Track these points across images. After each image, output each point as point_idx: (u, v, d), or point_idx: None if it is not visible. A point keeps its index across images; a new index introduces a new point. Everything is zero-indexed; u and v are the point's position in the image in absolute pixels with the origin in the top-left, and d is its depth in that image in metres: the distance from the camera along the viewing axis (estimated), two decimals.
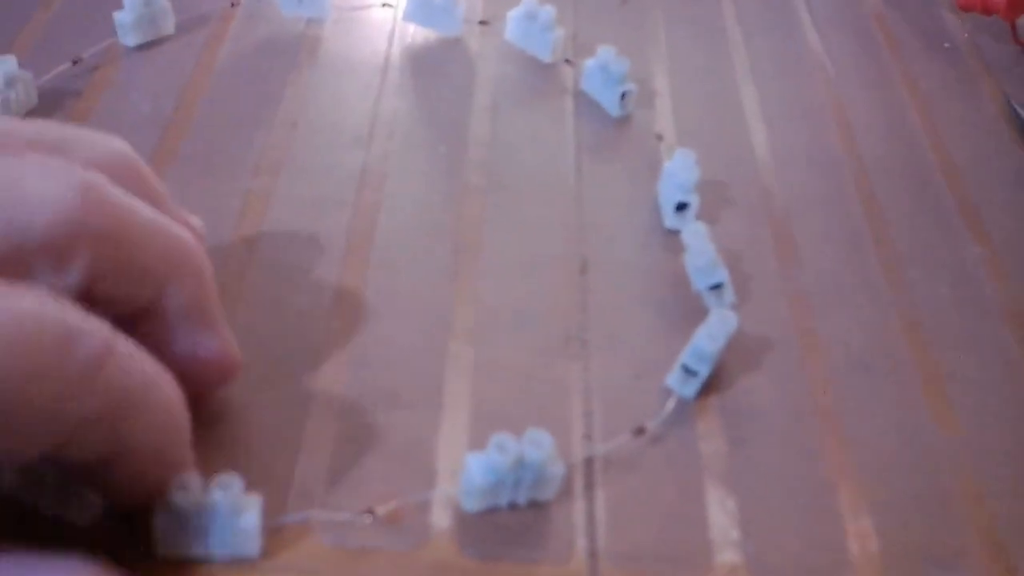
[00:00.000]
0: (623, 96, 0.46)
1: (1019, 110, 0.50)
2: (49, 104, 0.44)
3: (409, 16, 0.50)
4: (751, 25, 0.55)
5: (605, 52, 0.47)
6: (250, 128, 0.44)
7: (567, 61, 0.49)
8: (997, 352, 0.39)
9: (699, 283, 0.38)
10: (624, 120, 0.47)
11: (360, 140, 0.44)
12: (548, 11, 0.48)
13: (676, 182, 0.41)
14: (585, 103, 0.48)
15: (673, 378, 0.35)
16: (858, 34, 0.55)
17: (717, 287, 0.38)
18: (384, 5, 0.52)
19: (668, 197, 0.42)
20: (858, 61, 0.53)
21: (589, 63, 0.47)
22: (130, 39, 0.47)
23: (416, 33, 0.50)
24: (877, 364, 0.38)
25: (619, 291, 0.39)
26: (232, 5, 0.50)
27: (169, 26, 0.48)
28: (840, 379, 0.37)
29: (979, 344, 0.39)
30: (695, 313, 0.38)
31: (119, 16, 0.46)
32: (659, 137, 0.46)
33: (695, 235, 0.39)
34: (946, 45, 0.55)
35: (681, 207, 0.41)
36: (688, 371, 0.34)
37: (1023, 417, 0.36)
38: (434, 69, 0.49)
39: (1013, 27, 0.54)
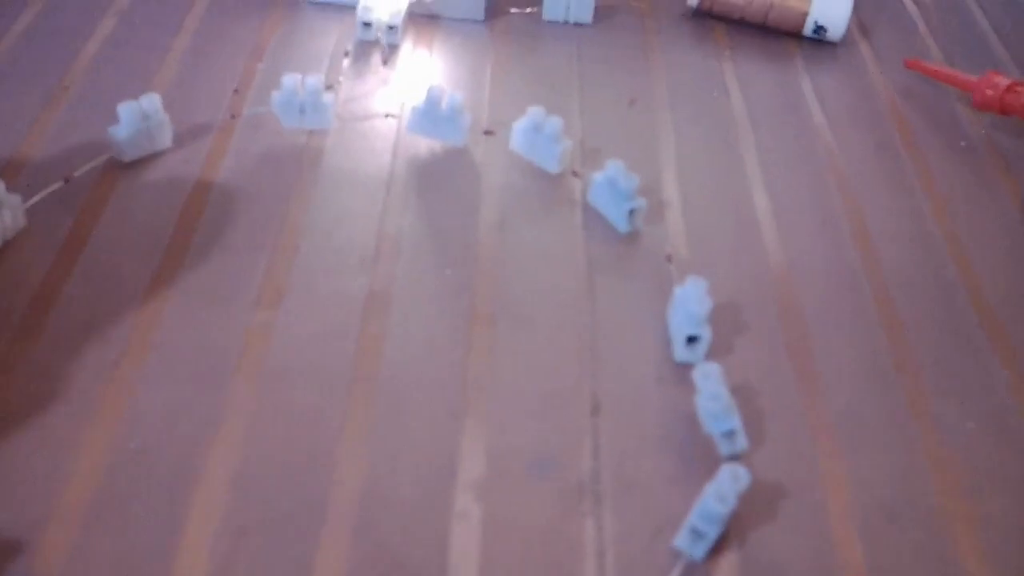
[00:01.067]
0: (631, 212, 0.45)
1: None
2: (40, 226, 0.43)
3: (413, 127, 0.49)
4: (762, 125, 0.53)
5: (614, 166, 0.45)
6: (251, 252, 0.43)
7: (574, 173, 0.48)
8: None
9: (711, 428, 0.37)
10: (632, 237, 0.46)
11: (365, 263, 0.43)
12: (555, 123, 0.47)
13: (687, 313, 0.40)
14: (592, 217, 0.46)
15: (682, 539, 0.33)
16: (873, 131, 0.54)
17: (730, 433, 0.36)
18: (387, 116, 0.51)
19: (678, 328, 0.40)
20: (874, 160, 0.52)
21: (596, 177, 0.46)
22: (126, 155, 0.45)
23: (420, 144, 0.49)
24: (905, 511, 0.36)
25: (633, 433, 0.37)
26: (232, 117, 0.49)
27: (166, 140, 0.46)
28: (868, 529, 0.35)
29: (1014, 483, 0.37)
30: (713, 456, 0.36)
31: (114, 131, 0.45)
32: (669, 258, 0.44)
33: (707, 378, 0.37)
34: (963, 144, 0.54)
35: (692, 340, 0.40)
36: (697, 532, 0.33)
37: None
38: (439, 182, 0.47)
39: None
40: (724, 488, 0.33)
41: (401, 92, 0.53)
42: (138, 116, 0.45)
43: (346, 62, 0.54)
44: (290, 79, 0.47)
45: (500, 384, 0.39)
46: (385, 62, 0.55)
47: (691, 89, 0.56)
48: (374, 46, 0.56)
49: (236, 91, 0.51)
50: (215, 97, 0.51)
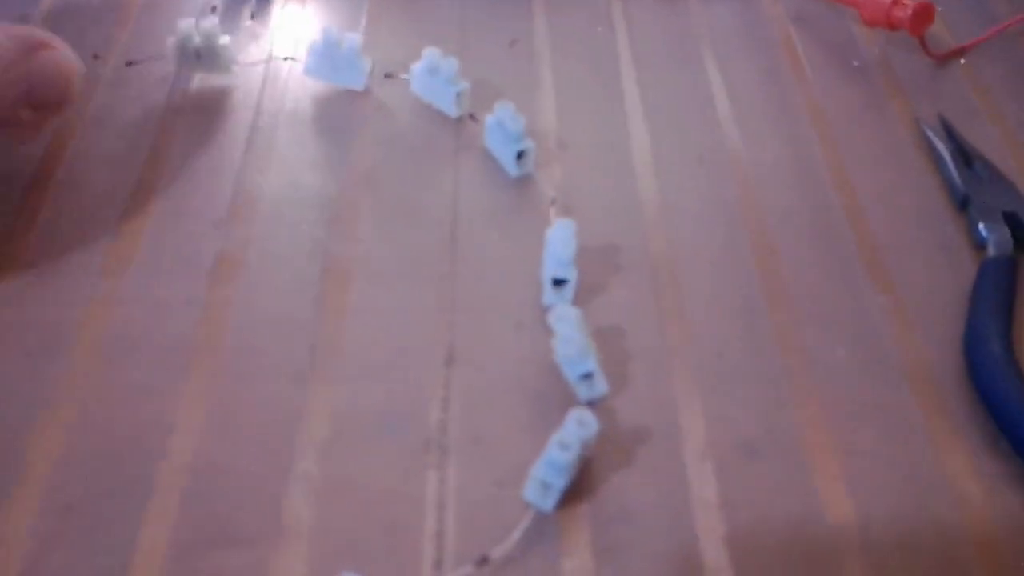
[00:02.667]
0: (520, 155, 0.44)
1: (930, 134, 0.47)
2: None
3: (310, 70, 0.47)
4: (647, 60, 0.52)
5: (502, 109, 0.44)
6: (104, 217, 0.41)
7: (471, 116, 0.47)
8: (899, 420, 0.36)
9: (568, 372, 0.35)
10: (524, 181, 0.44)
11: (219, 224, 0.41)
12: (451, 63, 0.46)
13: (553, 255, 0.39)
14: (487, 163, 0.45)
15: (529, 491, 0.32)
16: (762, 59, 0.52)
17: (587, 376, 0.35)
18: (286, 59, 0.49)
19: (547, 271, 0.39)
20: (760, 90, 0.50)
21: (489, 119, 0.44)
22: None
23: (318, 88, 0.48)
24: (766, 446, 0.35)
25: (486, 383, 0.36)
26: (94, 57, 0.47)
27: None
28: (726, 467, 0.34)
29: (879, 412, 0.36)
30: (571, 403, 0.35)
31: None
32: (553, 200, 0.43)
33: (562, 320, 0.36)
34: (855, 63, 0.52)
35: (559, 283, 0.39)
36: (543, 483, 0.32)
37: (921, 494, 0.34)
38: (318, 134, 0.46)
39: (923, 41, 0.51)
40: (569, 435, 0.32)
41: (271, 50, 0.51)
42: None
43: (209, 20, 0.52)
44: (185, 24, 0.46)
45: (351, 344, 0.37)
46: (253, 16, 0.53)
47: (575, 26, 0.54)
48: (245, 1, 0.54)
49: (96, 57, 0.49)
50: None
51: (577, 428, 0.32)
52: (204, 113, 0.46)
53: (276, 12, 0.54)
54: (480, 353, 0.37)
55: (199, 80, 0.48)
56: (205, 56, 0.47)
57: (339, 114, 0.47)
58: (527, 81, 0.50)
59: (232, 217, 0.42)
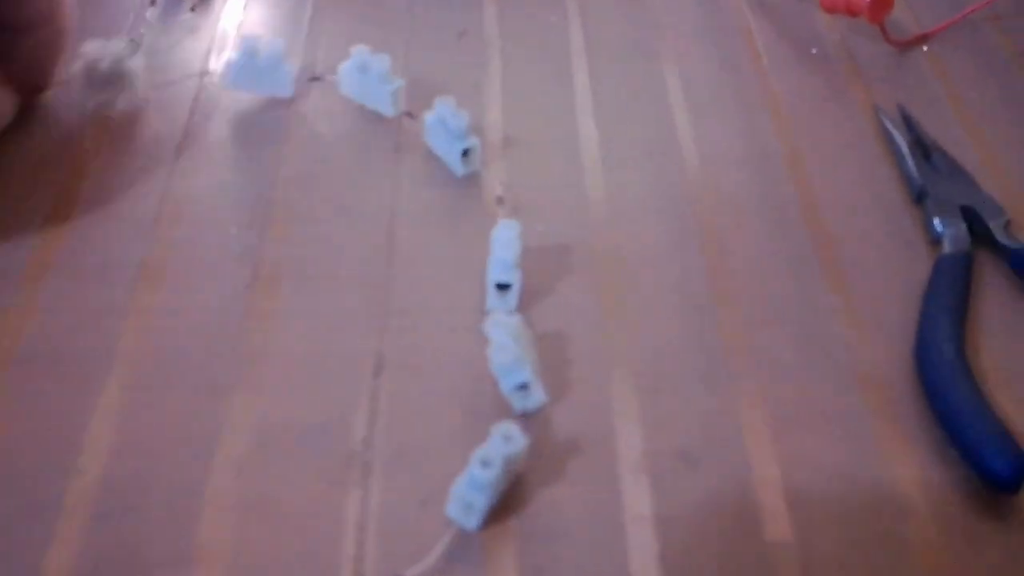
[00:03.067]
0: (465, 153, 0.42)
1: (888, 125, 0.45)
2: None
3: (231, 83, 0.45)
4: (599, 50, 0.50)
5: (443, 105, 0.42)
6: (24, 223, 0.39)
7: (408, 114, 0.45)
8: (846, 426, 0.35)
9: (504, 383, 0.34)
10: (469, 179, 0.42)
11: (143, 230, 0.40)
12: (382, 61, 0.44)
13: (498, 258, 0.37)
14: (430, 161, 0.43)
15: (452, 509, 0.31)
16: (719, 47, 0.51)
17: (522, 387, 0.34)
18: (203, 75, 0.47)
19: (491, 275, 0.37)
20: (715, 79, 0.49)
21: (428, 117, 0.43)
22: None
23: (240, 101, 0.45)
24: (705, 455, 0.34)
25: (416, 394, 0.35)
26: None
27: None
28: (662, 478, 0.33)
29: (826, 417, 0.35)
30: (507, 414, 0.34)
31: None
32: (499, 200, 0.41)
33: (496, 327, 0.34)
34: (814, 51, 0.51)
35: (502, 287, 0.37)
36: (465, 501, 0.30)
37: (866, 508, 0.32)
38: (253, 139, 0.44)
39: (883, 28, 0.50)
40: (492, 452, 0.31)
41: (211, 43, 0.49)
42: None
43: (150, 12, 0.51)
44: (93, 47, 0.44)
45: (275, 353, 0.36)
46: (193, 8, 0.51)
47: (527, 15, 0.52)
48: None
49: None
50: None
51: (502, 444, 0.31)
52: (129, 124, 0.45)
53: (218, 3, 0.52)
54: (412, 361, 0.36)
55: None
56: (114, 81, 0.44)
57: (269, 120, 0.45)
58: (475, 74, 0.48)
59: (158, 221, 0.40)
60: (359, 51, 0.44)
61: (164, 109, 0.45)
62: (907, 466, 0.33)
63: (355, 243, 0.40)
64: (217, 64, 0.48)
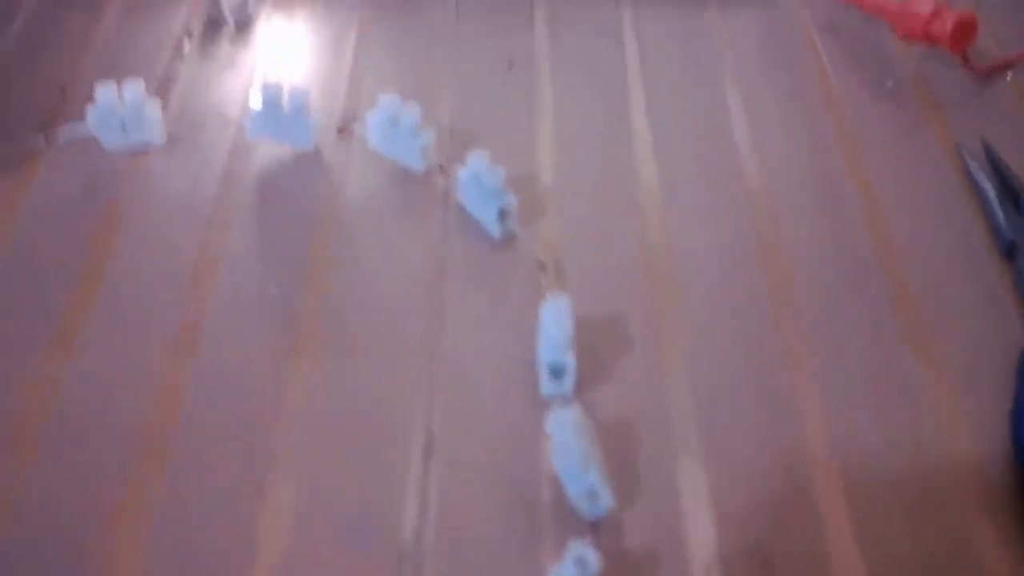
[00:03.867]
0: (501, 213, 0.39)
1: (972, 168, 0.42)
2: None
3: (253, 132, 0.42)
4: (658, 81, 0.47)
5: (477, 160, 0.39)
6: (53, 288, 0.38)
7: (440, 168, 0.42)
8: (936, 521, 0.32)
9: (569, 486, 0.31)
10: (505, 240, 0.40)
11: (178, 287, 0.38)
12: (412, 114, 0.41)
13: (549, 338, 0.34)
14: (463, 220, 0.40)
15: None
16: (788, 76, 0.47)
17: (590, 491, 0.31)
18: (226, 120, 0.44)
19: (541, 356, 0.35)
20: (785, 113, 0.45)
21: (462, 174, 0.40)
22: None
23: (263, 152, 0.43)
24: (781, 556, 0.31)
25: (471, 483, 0.32)
26: (47, 141, 0.43)
27: None
28: None
29: (913, 509, 0.32)
30: (568, 518, 0.31)
31: None
32: (541, 265, 0.39)
33: (559, 426, 0.31)
34: (889, 83, 0.47)
35: (556, 370, 0.34)
36: None
37: None
38: (280, 195, 0.41)
39: (964, 53, 0.46)
40: None
41: (249, 79, 0.47)
42: None
43: (187, 46, 0.49)
44: (106, 91, 0.42)
45: (319, 427, 0.34)
46: (231, 41, 0.49)
47: (580, 41, 0.49)
48: (224, 24, 0.50)
49: (63, 90, 0.46)
50: (35, 104, 0.45)
51: (576, 569, 0.28)
52: (159, 172, 0.42)
53: (259, 29, 0.50)
54: (464, 444, 0.33)
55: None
56: (131, 125, 0.42)
57: (301, 172, 0.42)
58: (523, 110, 0.45)
59: (194, 280, 0.38)
60: (388, 101, 0.42)
61: (197, 155, 0.43)
62: (1004, 567, 0.31)
63: (397, 308, 0.37)
64: (243, 107, 0.45)
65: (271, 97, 0.41)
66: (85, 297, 0.37)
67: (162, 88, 0.46)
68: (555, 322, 0.34)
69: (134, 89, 0.42)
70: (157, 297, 0.37)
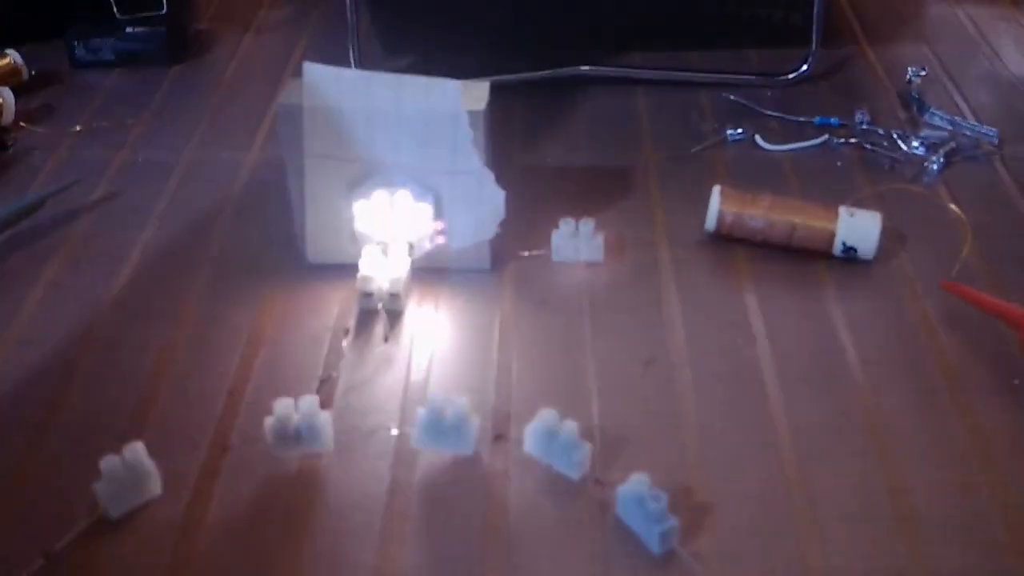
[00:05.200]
0: (662, 535, 0.41)
1: None
2: None
3: (418, 442, 0.45)
4: (793, 380, 0.49)
5: (638, 483, 0.41)
6: None
7: (597, 481, 0.44)
8: None
9: None
10: (667, 559, 0.41)
11: None
12: (570, 427, 0.44)
13: None
14: (619, 533, 0.42)
15: None
16: (914, 374, 0.49)
17: None
18: (391, 431, 0.47)
19: None
20: (917, 417, 0.47)
21: (622, 491, 0.42)
22: (114, 509, 0.43)
23: (424, 458, 0.46)
24: None
25: None
26: (223, 450, 0.46)
27: (155, 488, 0.44)
28: None
29: None
30: None
31: (99, 487, 0.42)
32: None
33: None
34: (1016, 382, 0.49)
35: None
36: None
37: None
38: (446, 504, 0.44)
39: None
40: None
41: (404, 377, 0.50)
42: (120, 467, 0.42)
43: (346, 342, 0.52)
44: (283, 405, 0.45)
45: None
46: (387, 339, 0.52)
47: (712, 336, 0.52)
48: (377, 316, 0.53)
49: (231, 393, 0.49)
50: (207, 409, 0.48)
51: None
52: (326, 483, 0.45)
53: (408, 326, 0.53)
54: None
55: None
56: (305, 436, 0.45)
57: (461, 479, 0.45)
58: (668, 412, 0.48)
59: None
60: (547, 415, 0.45)
61: (365, 464, 0.46)
62: None
63: None
64: (409, 412, 0.48)
65: (436, 407, 0.44)
66: None
67: (325, 388, 0.49)
68: None
69: (308, 403, 0.45)
70: None
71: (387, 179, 0.54)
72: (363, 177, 0.54)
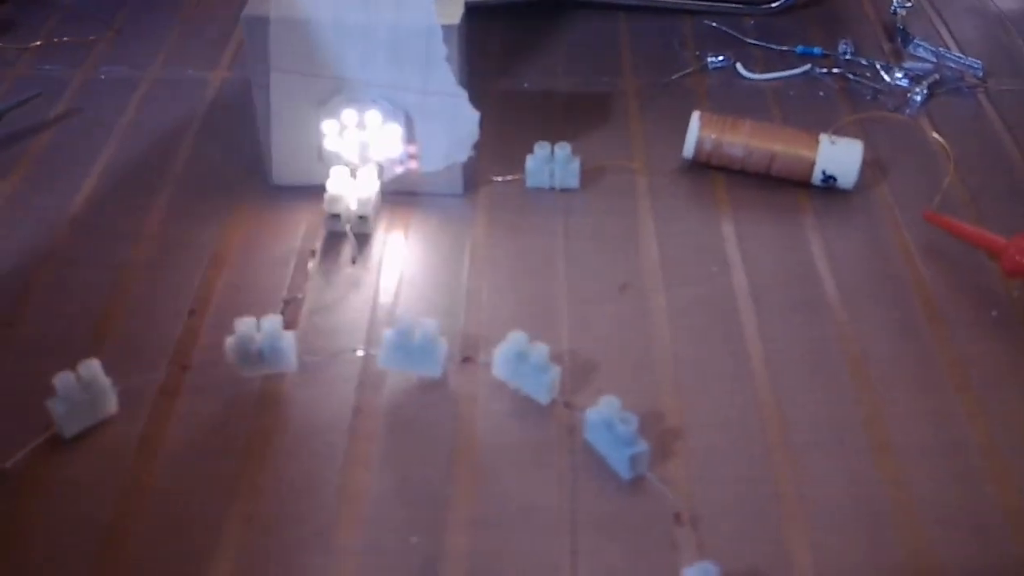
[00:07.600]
0: (632, 458, 0.40)
1: None
2: None
3: (385, 362, 0.44)
4: (768, 308, 0.48)
5: (608, 405, 0.41)
6: (199, 534, 0.39)
7: (566, 404, 0.44)
8: None
9: None
10: (635, 485, 0.41)
11: (321, 536, 0.39)
12: (541, 351, 0.43)
13: None
14: (588, 459, 0.41)
15: None
16: (893, 305, 0.49)
17: None
18: (354, 351, 0.46)
19: None
20: (896, 347, 0.47)
21: (591, 415, 0.41)
22: (68, 427, 0.42)
23: (391, 379, 0.45)
24: None
25: None
26: (182, 368, 0.45)
27: (112, 406, 0.43)
28: None
29: None
30: None
31: (53, 405, 0.41)
32: (677, 518, 0.39)
33: None
34: (994, 313, 0.48)
35: None
36: None
37: None
38: (412, 425, 0.43)
39: None
40: None
41: (372, 300, 0.49)
42: (76, 388, 0.41)
43: (312, 264, 0.51)
44: (245, 324, 0.44)
45: None
46: (354, 261, 0.51)
47: (688, 264, 0.51)
48: (344, 238, 0.52)
49: (192, 313, 0.48)
50: (167, 329, 0.47)
51: None
52: (292, 403, 0.44)
53: (377, 249, 0.52)
54: None
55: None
56: (268, 356, 0.44)
57: (427, 402, 0.44)
58: (641, 338, 0.47)
59: (334, 527, 0.39)
60: (517, 338, 0.44)
61: (329, 386, 0.45)
62: None
63: (536, 557, 0.38)
64: (376, 335, 0.47)
65: (405, 328, 0.43)
66: (233, 539, 0.38)
67: (290, 309, 0.48)
68: None
69: (272, 322, 0.44)
70: (300, 543, 0.38)
71: (357, 97, 0.52)
72: (331, 94, 0.52)
